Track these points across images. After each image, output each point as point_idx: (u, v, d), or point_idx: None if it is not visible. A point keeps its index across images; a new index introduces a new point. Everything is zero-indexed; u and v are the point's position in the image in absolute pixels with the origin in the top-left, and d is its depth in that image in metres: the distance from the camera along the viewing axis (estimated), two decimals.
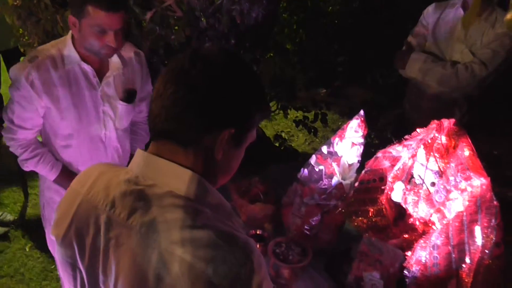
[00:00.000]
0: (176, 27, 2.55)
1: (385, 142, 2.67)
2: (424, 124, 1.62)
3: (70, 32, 1.76)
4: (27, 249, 3.05)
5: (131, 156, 2.07)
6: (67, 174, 1.91)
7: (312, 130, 3.65)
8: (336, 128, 4.03)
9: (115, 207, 0.85)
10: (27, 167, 1.91)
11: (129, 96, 1.91)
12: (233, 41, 2.55)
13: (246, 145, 0.91)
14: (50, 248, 2.09)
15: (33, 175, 3.57)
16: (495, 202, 1.35)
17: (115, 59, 1.85)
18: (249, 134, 0.89)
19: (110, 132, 1.93)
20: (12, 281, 2.81)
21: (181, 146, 0.85)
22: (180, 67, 0.84)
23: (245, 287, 0.77)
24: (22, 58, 3.94)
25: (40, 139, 1.96)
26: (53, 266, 2.92)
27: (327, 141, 1.87)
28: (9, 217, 3.25)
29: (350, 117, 1.86)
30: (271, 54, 3.48)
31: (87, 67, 1.79)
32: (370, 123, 1.81)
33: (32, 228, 3.22)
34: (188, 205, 0.82)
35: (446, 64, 2.32)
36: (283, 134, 4.32)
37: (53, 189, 1.97)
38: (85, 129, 1.86)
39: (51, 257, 2.97)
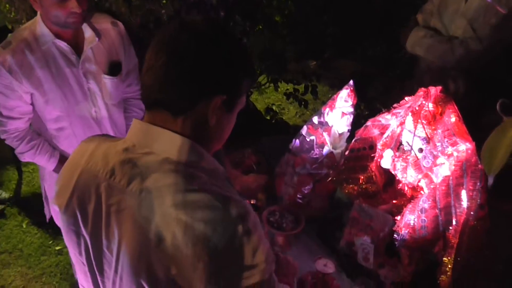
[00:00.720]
0: (165, 1, 2.53)
1: (375, 113, 2.71)
2: None
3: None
4: (24, 226, 3.08)
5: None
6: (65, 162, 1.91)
7: (303, 103, 3.67)
8: (326, 101, 4.03)
9: (114, 174, 0.88)
10: (24, 159, 1.90)
11: (113, 69, 1.86)
12: (222, 13, 2.54)
13: (237, 111, 0.95)
14: (54, 218, 2.10)
15: None
16: (479, 166, 1.39)
17: (89, 33, 1.79)
18: (239, 100, 0.93)
19: (100, 109, 1.89)
20: (11, 256, 2.86)
21: (175, 114, 0.88)
22: (169, 37, 0.87)
23: (242, 245, 0.81)
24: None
25: None
26: (51, 242, 2.97)
27: (317, 111, 1.91)
28: (4, 194, 3.27)
29: (340, 89, 1.88)
30: (260, 27, 3.46)
31: (62, 44, 1.74)
32: (359, 94, 1.84)
33: (28, 205, 3.26)
34: (185, 170, 0.86)
35: (443, 39, 2.33)
36: (274, 107, 4.35)
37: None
38: (73, 108, 1.83)
39: (48, 232, 3.02)
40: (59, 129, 1.86)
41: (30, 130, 1.88)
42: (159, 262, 0.82)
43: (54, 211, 2.06)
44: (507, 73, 2.35)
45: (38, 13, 1.72)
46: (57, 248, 2.93)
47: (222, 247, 0.80)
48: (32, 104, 1.80)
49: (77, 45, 1.78)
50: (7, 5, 2.51)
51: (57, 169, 1.91)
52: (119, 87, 1.94)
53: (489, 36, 2.21)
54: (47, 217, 2.15)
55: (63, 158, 1.90)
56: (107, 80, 1.87)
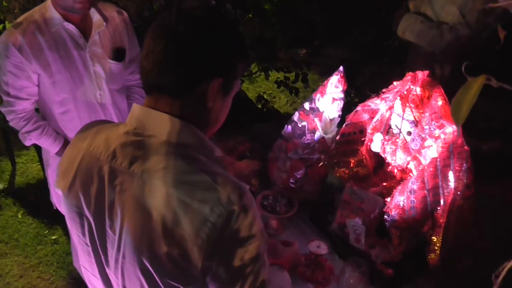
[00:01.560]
0: None
1: (365, 99, 2.74)
2: None
3: None
4: (20, 216, 3.10)
5: None
6: None
7: (294, 91, 3.69)
8: (316, 88, 4.06)
9: (116, 157, 0.91)
10: (30, 139, 1.92)
11: (118, 54, 1.92)
12: (213, 2, 2.55)
13: (233, 94, 0.98)
14: (56, 203, 2.11)
15: (19, 143, 3.58)
16: (465, 147, 1.44)
17: (96, 17, 1.85)
18: (235, 82, 0.96)
19: (105, 92, 1.94)
20: (8, 246, 2.88)
21: (173, 98, 0.91)
22: (167, 23, 0.89)
23: (239, 223, 0.84)
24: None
25: None
26: (46, 231, 2.98)
27: (309, 97, 1.94)
28: None
29: (329, 76, 1.90)
30: (251, 15, 3.47)
31: (71, 27, 1.79)
32: (349, 81, 1.87)
33: (22, 196, 3.27)
34: (185, 152, 0.89)
35: (433, 25, 2.36)
36: (265, 96, 4.36)
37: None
38: (79, 90, 1.87)
39: (44, 222, 3.04)
40: (64, 112, 1.90)
41: (36, 113, 1.91)
42: (160, 240, 0.85)
43: (56, 195, 2.08)
44: (495, 58, 2.39)
45: None
46: (53, 237, 2.95)
47: (220, 226, 0.83)
48: (38, 86, 1.83)
49: (84, 29, 1.84)
50: None
51: (60, 152, 1.93)
52: (123, 73, 2.00)
53: (477, 21, 2.24)
54: (54, 205, 2.15)
55: (66, 142, 1.94)
56: (111, 64, 1.92)
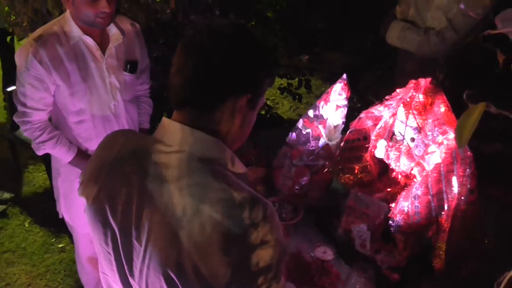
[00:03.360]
0: (159, 0, 2.57)
1: (367, 104, 2.75)
2: None
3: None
4: (27, 225, 3.12)
5: (140, 129, 2.13)
6: (82, 155, 1.95)
7: (297, 97, 3.71)
8: (319, 94, 4.09)
9: (145, 170, 0.93)
10: (44, 149, 1.94)
11: (131, 67, 1.97)
12: (217, 12, 2.58)
13: (258, 109, 1.01)
14: (63, 212, 2.13)
15: (25, 153, 3.62)
16: (468, 153, 1.46)
17: (114, 31, 1.90)
18: (261, 98, 0.99)
19: (119, 102, 1.98)
20: (15, 255, 2.89)
21: (203, 113, 0.93)
22: (198, 41, 0.92)
23: (266, 241, 0.86)
24: (9, 38, 3.91)
25: None
26: (53, 240, 3.00)
27: (312, 105, 1.96)
28: (6, 195, 3.31)
29: (332, 82, 1.93)
30: (253, 23, 3.50)
31: (89, 40, 1.83)
32: (351, 86, 1.89)
33: (29, 205, 3.29)
34: (212, 167, 0.91)
35: (420, 31, 2.40)
36: (268, 102, 4.38)
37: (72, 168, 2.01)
38: (96, 101, 1.91)
39: (51, 231, 3.06)
40: (80, 121, 1.93)
41: (49, 122, 1.94)
42: (188, 255, 0.86)
43: (65, 205, 2.09)
44: (482, 60, 2.41)
45: (67, 11, 1.81)
46: (60, 245, 2.97)
47: (247, 244, 0.85)
48: (54, 96, 1.86)
49: (101, 42, 1.88)
50: (6, 8, 2.53)
51: (74, 162, 1.96)
52: (134, 84, 2.05)
53: (463, 25, 2.27)
54: (60, 215, 2.16)
55: (80, 151, 1.96)
56: (126, 76, 1.96)
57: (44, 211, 3.18)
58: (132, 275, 0.97)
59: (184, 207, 0.87)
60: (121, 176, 0.96)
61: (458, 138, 0.55)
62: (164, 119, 0.97)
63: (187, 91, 0.92)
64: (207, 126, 0.93)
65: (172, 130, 0.94)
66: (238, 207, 0.86)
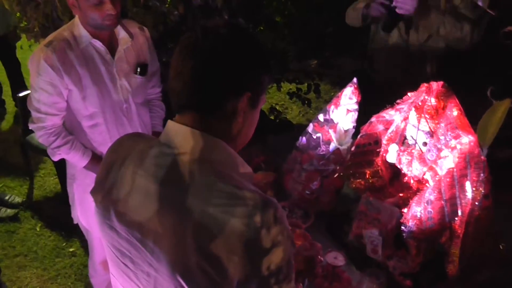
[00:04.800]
0: (168, 4, 2.59)
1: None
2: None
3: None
4: (38, 229, 3.14)
5: (153, 133, 2.14)
6: (97, 160, 1.96)
7: (306, 102, 3.70)
8: (328, 99, 4.08)
9: (150, 173, 0.93)
10: (59, 154, 1.95)
11: (141, 69, 1.99)
12: (226, 16, 2.59)
13: (260, 108, 1.00)
14: (79, 216, 2.14)
15: (37, 157, 3.66)
16: (482, 157, 1.44)
17: (123, 34, 1.92)
18: (261, 96, 0.98)
19: (130, 105, 2.00)
20: (26, 259, 2.91)
21: (205, 115, 0.93)
22: (194, 43, 0.91)
23: (272, 240, 0.85)
24: (19, 43, 3.97)
25: None
26: (64, 244, 3.02)
27: (323, 109, 1.95)
28: (17, 199, 3.33)
29: (341, 87, 1.91)
30: (262, 28, 3.51)
31: (98, 44, 1.85)
32: (360, 90, 1.88)
33: (40, 209, 3.32)
34: (217, 169, 0.91)
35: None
36: (277, 107, 4.38)
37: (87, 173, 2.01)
38: (108, 104, 1.92)
39: (61, 235, 3.08)
40: (93, 125, 1.94)
41: (63, 128, 1.95)
42: (195, 257, 0.85)
43: (81, 210, 2.10)
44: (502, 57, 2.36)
45: (76, 16, 1.84)
46: (71, 249, 2.98)
47: (254, 243, 0.84)
48: (67, 101, 1.88)
49: (111, 46, 1.90)
50: (18, 14, 2.56)
51: (88, 166, 1.97)
52: (145, 87, 2.06)
53: None
54: (75, 221, 2.18)
55: (95, 156, 1.98)
56: (136, 79, 1.98)
57: (55, 215, 3.20)
58: (139, 278, 0.97)
59: (191, 210, 0.87)
60: (127, 179, 0.96)
61: (481, 136, 0.53)
62: (169, 122, 0.97)
63: (187, 95, 0.92)
64: (210, 127, 0.93)
65: (177, 133, 0.94)
66: (247, 209, 0.85)
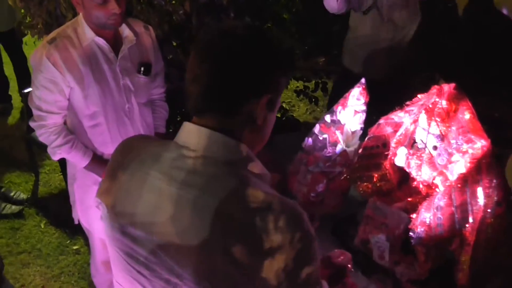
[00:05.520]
0: (174, 2, 2.56)
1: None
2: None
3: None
4: (42, 226, 3.14)
5: (156, 134, 2.12)
6: (98, 160, 1.95)
7: (313, 100, 3.67)
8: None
9: (168, 176, 0.90)
10: (60, 153, 1.93)
11: (145, 69, 1.96)
12: (232, 14, 2.56)
13: (276, 110, 0.99)
14: (80, 217, 2.12)
15: (42, 154, 3.65)
16: (495, 163, 1.40)
17: (127, 32, 1.89)
18: (278, 99, 0.97)
19: (133, 105, 1.96)
20: (30, 256, 2.91)
21: (226, 118, 0.92)
22: (211, 46, 0.90)
23: (295, 243, 0.84)
24: (25, 39, 3.96)
25: None
26: (68, 241, 3.02)
27: (329, 109, 1.91)
28: (22, 195, 3.32)
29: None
30: (269, 25, 3.47)
31: (101, 42, 1.82)
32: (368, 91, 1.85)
33: (45, 206, 3.31)
34: (238, 171, 0.90)
35: None
36: (284, 105, 4.35)
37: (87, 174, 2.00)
38: (110, 103, 1.89)
39: (66, 232, 3.07)
40: (94, 125, 1.92)
41: (65, 127, 1.94)
42: (221, 263, 0.84)
43: (81, 210, 2.08)
44: None
45: (80, 14, 1.82)
46: (75, 247, 2.98)
47: (277, 246, 0.83)
48: (68, 99, 1.86)
49: (115, 44, 1.87)
50: (22, 10, 2.55)
51: (89, 167, 1.95)
52: (148, 87, 2.03)
53: None
54: (75, 221, 2.17)
55: (95, 156, 1.96)
56: (139, 78, 1.95)
57: (60, 212, 3.19)
58: (154, 285, 0.94)
59: (210, 213, 0.85)
60: (142, 182, 0.93)
61: (509, 178, 0.49)
62: (186, 124, 0.95)
63: (206, 97, 0.91)
64: (229, 130, 0.92)
65: (196, 134, 0.92)
66: (266, 211, 0.84)
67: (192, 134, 0.93)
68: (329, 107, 1.87)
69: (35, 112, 1.87)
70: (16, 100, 4.59)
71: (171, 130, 2.80)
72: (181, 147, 0.92)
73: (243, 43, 0.90)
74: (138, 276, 0.96)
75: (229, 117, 0.91)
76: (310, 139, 1.92)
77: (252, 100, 0.91)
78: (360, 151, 1.76)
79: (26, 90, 3.16)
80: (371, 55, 2.69)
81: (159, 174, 0.91)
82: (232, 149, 0.91)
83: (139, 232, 0.92)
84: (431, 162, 1.60)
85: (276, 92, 0.95)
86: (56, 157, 1.97)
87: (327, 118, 1.89)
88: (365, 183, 1.74)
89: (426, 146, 1.62)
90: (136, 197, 0.93)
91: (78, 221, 2.15)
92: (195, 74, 0.91)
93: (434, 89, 1.56)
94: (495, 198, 1.39)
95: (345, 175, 1.78)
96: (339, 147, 1.84)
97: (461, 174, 1.45)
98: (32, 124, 1.91)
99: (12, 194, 3.30)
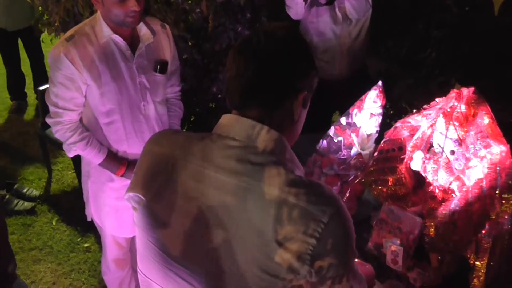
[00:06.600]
0: (190, 1, 2.57)
1: (400, 112, 2.65)
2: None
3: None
4: (54, 223, 3.16)
5: None
6: (112, 157, 1.95)
7: None
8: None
9: (217, 167, 0.93)
10: (75, 150, 1.94)
11: (161, 67, 1.96)
12: (249, 15, 2.55)
13: (307, 108, 1.04)
14: (93, 214, 2.13)
15: (55, 151, 3.68)
16: None
17: (144, 30, 1.89)
18: (311, 97, 1.03)
19: (149, 103, 1.96)
20: (41, 253, 2.93)
21: (267, 112, 0.97)
22: (255, 46, 0.97)
23: (339, 232, 0.91)
24: (42, 36, 4.00)
25: None
26: (79, 239, 3.03)
27: (345, 112, 1.90)
28: (35, 192, 3.35)
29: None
30: None
31: (119, 40, 1.83)
32: (385, 93, 1.83)
33: (57, 203, 3.34)
34: (283, 162, 0.94)
35: None
36: None
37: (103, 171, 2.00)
38: (126, 101, 1.90)
39: (77, 230, 3.09)
40: (110, 122, 1.92)
41: (80, 124, 1.94)
42: (269, 253, 0.87)
43: (96, 208, 2.09)
44: None
45: (98, 12, 1.83)
46: (86, 245, 2.99)
47: (324, 236, 0.87)
48: (85, 97, 1.87)
49: (132, 42, 1.88)
50: (40, 8, 2.58)
51: (104, 164, 1.95)
52: (164, 85, 2.03)
53: None
54: (88, 218, 2.16)
55: (110, 153, 1.96)
56: (155, 77, 1.95)
57: (72, 210, 3.22)
58: (195, 277, 0.95)
59: (261, 205, 0.88)
60: (192, 176, 0.95)
61: None
62: (226, 116, 1.00)
63: (250, 94, 0.96)
64: (271, 124, 0.96)
65: (239, 125, 0.96)
66: (316, 195, 0.89)
67: (235, 125, 0.97)
68: None
69: (51, 108, 1.88)
70: (31, 97, 4.64)
71: (185, 129, 2.81)
72: (224, 138, 0.96)
73: (285, 42, 0.97)
74: (174, 268, 0.97)
75: (271, 111, 0.97)
76: (325, 141, 1.90)
77: (293, 96, 0.98)
78: (375, 154, 1.74)
79: (41, 88, 3.19)
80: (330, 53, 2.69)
81: (211, 165, 0.94)
82: (276, 141, 0.95)
83: (185, 222, 0.94)
84: (448, 167, 1.58)
85: (310, 90, 1.01)
86: (71, 154, 1.97)
87: (343, 120, 1.87)
88: (380, 187, 1.72)
89: (443, 151, 1.60)
90: (188, 191, 0.95)
91: (90, 218, 2.16)
92: (238, 71, 0.96)
93: (453, 92, 1.54)
94: None
95: (359, 178, 1.77)
96: (354, 150, 1.82)
97: (478, 179, 1.43)
98: (48, 120, 1.92)
99: (25, 190, 3.33)
